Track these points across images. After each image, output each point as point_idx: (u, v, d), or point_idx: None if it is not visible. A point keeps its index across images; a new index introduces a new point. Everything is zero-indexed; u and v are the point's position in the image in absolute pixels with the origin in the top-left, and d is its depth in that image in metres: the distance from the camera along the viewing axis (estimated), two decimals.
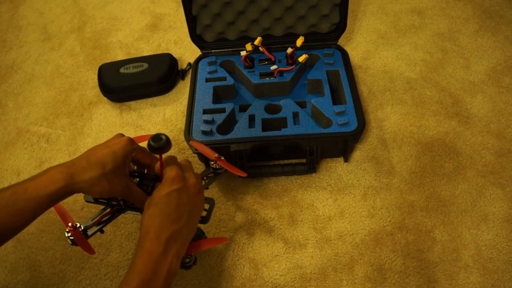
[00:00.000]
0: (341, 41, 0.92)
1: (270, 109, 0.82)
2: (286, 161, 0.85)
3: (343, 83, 0.84)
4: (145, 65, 0.99)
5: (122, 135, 0.59)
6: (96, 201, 0.63)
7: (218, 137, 0.77)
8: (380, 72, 0.99)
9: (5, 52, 1.15)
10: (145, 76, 0.97)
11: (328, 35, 0.90)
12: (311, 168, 0.80)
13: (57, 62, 1.11)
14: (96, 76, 1.01)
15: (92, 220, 0.62)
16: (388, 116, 0.91)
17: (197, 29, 0.90)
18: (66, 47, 1.14)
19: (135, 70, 0.98)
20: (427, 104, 0.93)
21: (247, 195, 0.82)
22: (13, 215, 0.51)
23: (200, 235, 0.74)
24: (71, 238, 0.60)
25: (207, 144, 0.76)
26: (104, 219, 0.62)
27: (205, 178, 0.69)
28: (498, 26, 1.07)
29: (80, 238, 0.60)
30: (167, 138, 0.52)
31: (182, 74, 1.03)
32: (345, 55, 0.89)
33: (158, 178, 0.61)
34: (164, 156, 0.55)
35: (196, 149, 0.75)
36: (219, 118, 0.80)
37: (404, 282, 0.70)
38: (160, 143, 0.51)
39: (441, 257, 0.72)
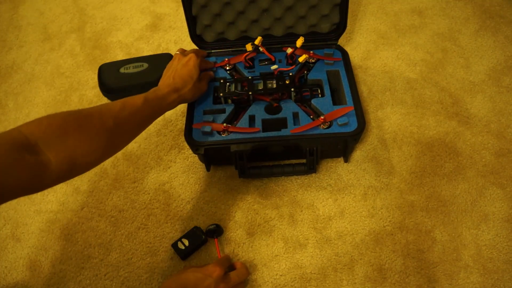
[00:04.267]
0: (341, 41, 0.92)
1: (270, 109, 0.82)
2: (286, 162, 0.85)
3: (343, 84, 0.84)
4: (145, 65, 0.99)
5: (184, 53, 0.82)
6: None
7: (218, 137, 0.77)
8: (380, 72, 0.99)
9: (5, 52, 1.15)
10: (145, 76, 0.97)
11: (328, 35, 0.90)
12: (311, 168, 0.80)
13: (57, 62, 1.11)
14: (96, 76, 1.01)
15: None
16: (388, 116, 0.91)
17: (197, 29, 0.90)
18: (66, 47, 1.14)
19: (135, 70, 0.98)
20: (427, 104, 0.93)
21: (247, 195, 0.82)
22: (147, 117, 0.69)
23: (200, 236, 0.75)
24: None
25: (207, 144, 0.76)
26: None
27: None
28: (498, 26, 1.07)
29: None
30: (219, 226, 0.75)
31: None
32: (345, 55, 0.89)
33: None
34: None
35: (196, 150, 0.76)
36: (220, 118, 0.80)
37: (404, 282, 0.70)
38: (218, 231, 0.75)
39: (441, 257, 0.72)
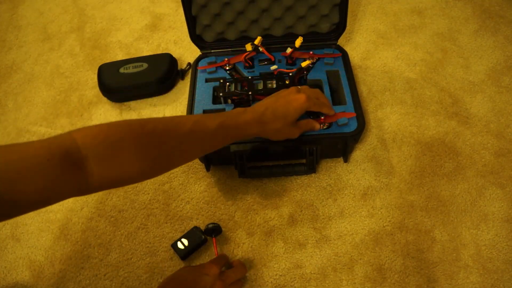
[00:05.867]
0: (340, 41, 0.92)
1: None
2: (286, 162, 0.85)
3: (343, 84, 0.84)
4: (145, 65, 0.99)
5: (299, 91, 0.70)
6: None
7: None
8: (380, 72, 0.99)
9: (5, 52, 1.15)
10: (144, 76, 0.97)
11: (328, 35, 0.90)
12: (311, 168, 0.80)
13: (57, 62, 1.11)
14: (95, 76, 1.01)
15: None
16: (387, 116, 0.91)
17: (197, 29, 0.90)
18: (66, 47, 1.14)
19: (135, 70, 0.98)
20: (426, 104, 0.93)
21: (247, 195, 0.82)
22: (217, 144, 0.61)
23: (200, 235, 0.75)
24: None
25: None
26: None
27: None
28: (498, 26, 1.08)
29: None
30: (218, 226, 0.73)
31: (181, 74, 1.03)
32: (345, 55, 0.89)
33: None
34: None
35: None
36: None
37: (404, 282, 0.70)
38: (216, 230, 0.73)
39: (440, 257, 0.72)
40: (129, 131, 0.51)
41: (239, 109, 0.65)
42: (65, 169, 0.45)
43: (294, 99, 0.67)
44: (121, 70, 0.98)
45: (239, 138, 0.64)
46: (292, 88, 0.70)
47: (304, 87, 0.74)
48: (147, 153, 0.51)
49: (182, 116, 0.57)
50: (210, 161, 0.85)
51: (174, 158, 0.56)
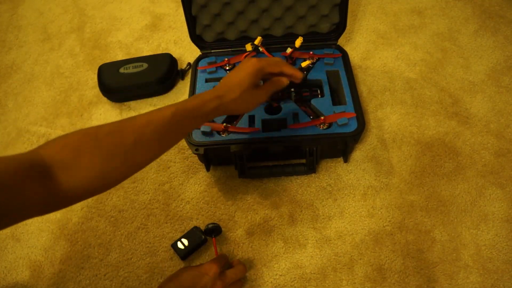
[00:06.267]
0: (340, 41, 0.92)
1: (270, 109, 0.82)
2: (286, 162, 0.85)
3: (343, 84, 0.84)
4: (145, 65, 0.99)
5: (251, 57, 0.67)
6: None
7: (218, 137, 0.77)
8: (380, 72, 1.00)
9: (5, 52, 1.15)
10: (144, 76, 0.97)
11: (328, 35, 0.90)
12: (311, 168, 0.80)
13: (57, 62, 1.11)
14: (95, 76, 1.01)
15: None
16: (387, 116, 0.91)
17: (197, 29, 0.90)
18: (66, 47, 1.14)
19: (135, 70, 0.98)
20: (426, 104, 0.93)
21: (247, 195, 0.82)
22: (177, 131, 0.59)
23: (200, 236, 0.75)
24: None
25: (206, 145, 0.76)
26: None
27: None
28: (498, 26, 1.08)
29: None
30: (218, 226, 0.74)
31: (181, 74, 1.03)
32: (345, 55, 0.89)
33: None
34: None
35: (196, 150, 0.76)
36: (219, 118, 0.80)
37: (404, 282, 0.70)
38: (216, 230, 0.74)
39: (440, 257, 0.72)
40: (86, 135, 0.52)
41: (196, 94, 0.64)
42: (33, 180, 0.46)
43: (246, 64, 0.65)
44: (121, 70, 0.98)
45: (199, 120, 0.61)
46: (247, 57, 0.69)
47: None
48: (107, 153, 0.51)
49: (139, 115, 0.57)
50: (210, 161, 0.85)
51: (137, 155, 0.55)
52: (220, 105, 0.61)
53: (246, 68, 0.64)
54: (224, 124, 0.77)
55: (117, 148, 0.52)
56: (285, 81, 0.69)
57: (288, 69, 0.68)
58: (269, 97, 0.68)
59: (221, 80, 0.66)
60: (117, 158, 0.52)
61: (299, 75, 0.69)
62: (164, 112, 0.56)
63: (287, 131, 0.77)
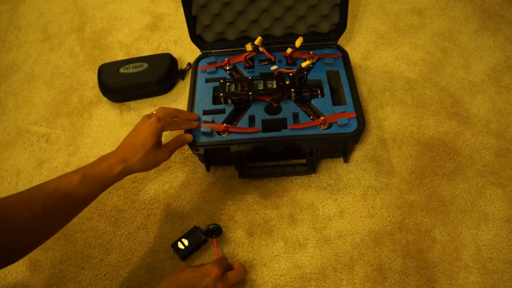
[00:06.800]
0: (341, 41, 0.92)
1: (270, 110, 0.82)
2: (286, 162, 0.85)
3: (343, 84, 0.84)
4: (145, 65, 0.99)
5: (150, 116, 0.70)
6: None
7: (218, 138, 0.77)
8: (380, 72, 1.00)
9: (5, 52, 1.15)
10: (145, 76, 0.97)
11: (328, 35, 0.90)
12: (311, 168, 0.80)
13: (57, 62, 1.11)
14: (96, 76, 1.01)
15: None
16: (388, 116, 0.91)
17: (197, 29, 0.90)
18: (66, 47, 1.14)
19: (135, 70, 0.98)
20: (427, 104, 0.93)
21: (247, 195, 0.82)
22: (87, 196, 0.61)
23: (200, 236, 0.75)
24: None
25: (207, 145, 0.76)
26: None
27: None
28: (498, 26, 1.08)
29: None
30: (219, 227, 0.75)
31: (182, 74, 1.03)
32: (345, 55, 0.89)
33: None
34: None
35: (196, 150, 0.76)
36: (219, 119, 0.80)
37: (404, 282, 0.70)
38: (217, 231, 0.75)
39: (441, 257, 0.72)
40: None
41: (102, 156, 0.65)
42: None
43: (146, 125, 0.68)
44: (121, 70, 0.98)
45: (107, 184, 0.63)
46: (144, 116, 0.71)
47: (158, 109, 0.73)
48: (13, 225, 0.52)
49: (47, 181, 0.58)
50: (211, 161, 0.85)
51: (46, 224, 0.57)
52: (126, 167, 0.64)
53: (147, 128, 0.67)
54: (225, 124, 0.77)
55: (25, 220, 0.53)
56: (188, 138, 0.75)
57: (186, 125, 0.75)
58: (172, 154, 0.72)
59: (123, 141, 0.68)
60: (26, 230, 0.54)
61: (196, 126, 0.77)
62: (72, 178, 0.58)
63: (287, 131, 0.77)
